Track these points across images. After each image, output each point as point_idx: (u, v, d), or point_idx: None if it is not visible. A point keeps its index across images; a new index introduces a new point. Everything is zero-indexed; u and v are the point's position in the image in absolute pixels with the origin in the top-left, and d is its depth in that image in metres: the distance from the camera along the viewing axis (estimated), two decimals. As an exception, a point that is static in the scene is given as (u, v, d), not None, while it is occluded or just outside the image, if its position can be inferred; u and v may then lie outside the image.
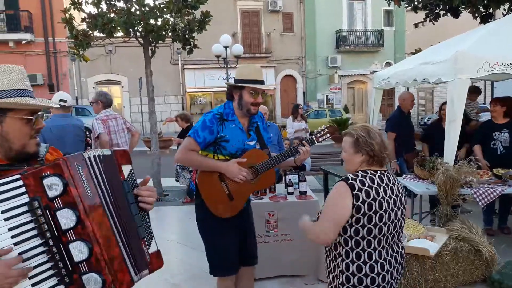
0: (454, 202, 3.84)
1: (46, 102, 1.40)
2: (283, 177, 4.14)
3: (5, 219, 1.19)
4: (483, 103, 14.09)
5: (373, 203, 1.79)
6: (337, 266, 1.88)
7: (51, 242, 1.25)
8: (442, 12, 8.74)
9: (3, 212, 1.19)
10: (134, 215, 1.47)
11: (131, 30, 6.89)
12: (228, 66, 12.58)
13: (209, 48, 12.24)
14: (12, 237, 1.20)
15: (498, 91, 11.30)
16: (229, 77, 12.67)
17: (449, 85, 4.02)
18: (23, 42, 18.16)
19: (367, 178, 1.84)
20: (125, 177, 1.48)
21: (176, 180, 6.83)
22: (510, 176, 3.92)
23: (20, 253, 1.21)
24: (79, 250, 1.25)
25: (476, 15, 7.98)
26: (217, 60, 12.95)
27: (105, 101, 4.88)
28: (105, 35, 6.78)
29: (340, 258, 1.87)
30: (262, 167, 2.54)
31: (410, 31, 26.32)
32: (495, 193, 3.76)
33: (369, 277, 1.80)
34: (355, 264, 1.82)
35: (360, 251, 1.82)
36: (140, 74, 15.48)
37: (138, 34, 6.96)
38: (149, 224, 1.55)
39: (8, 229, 1.19)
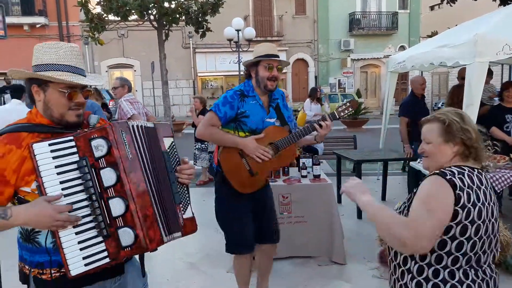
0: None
1: (84, 81, 1.51)
2: (297, 161, 4.16)
3: (58, 173, 1.38)
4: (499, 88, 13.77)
5: (472, 209, 1.39)
6: (406, 286, 1.50)
7: (94, 198, 1.40)
8: (460, -6, 8.52)
9: (56, 166, 1.37)
10: (172, 182, 1.60)
11: (145, 13, 6.90)
12: (240, 49, 12.52)
13: (220, 31, 12.16)
14: (62, 189, 1.38)
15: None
16: (241, 61, 12.62)
17: (468, 68, 3.96)
18: (38, 26, 18.26)
19: (466, 176, 1.43)
20: (166, 148, 1.62)
21: (194, 164, 6.91)
22: (527, 161, 3.88)
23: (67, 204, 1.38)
24: (117, 206, 1.40)
25: (496, -4, 7.77)
26: (229, 44, 12.88)
27: (130, 86, 5.13)
28: (119, 18, 6.79)
29: (410, 276, 1.48)
30: (282, 143, 2.56)
31: (425, 14, 25.71)
32: (511, 178, 3.73)
33: None
34: (430, 283, 1.43)
35: (440, 269, 1.43)
36: (153, 58, 15.51)
37: (152, 17, 6.96)
38: (187, 193, 1.69)
39: (59, 181, 1.38)
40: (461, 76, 5.06)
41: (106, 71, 19.76)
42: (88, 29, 6.98)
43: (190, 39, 20.10)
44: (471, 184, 1.42)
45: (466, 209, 1.38)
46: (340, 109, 2.59)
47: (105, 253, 1.42)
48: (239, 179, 2.58)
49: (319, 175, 3.90)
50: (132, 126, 1.49)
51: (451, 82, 23.20)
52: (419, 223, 1.36)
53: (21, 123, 1.48)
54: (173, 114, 13.84)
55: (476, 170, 1.50)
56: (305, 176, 3.93)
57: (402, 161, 6.96)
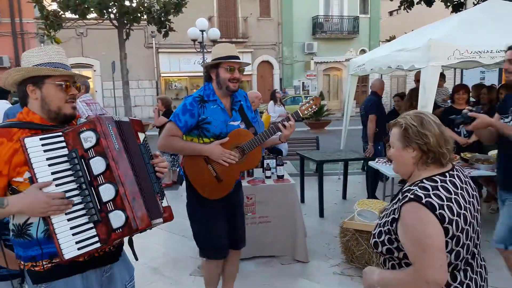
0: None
1: (77, 73, 1.68)
2: (261, 162, 4.19)
3: (49, 165, 1.49)
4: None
5: (459, 219, 1.39)
6: None
7: (84, 186, 1.52)
8: (416, 1, 8.91)
9: (48, 159, 1.49)
10: (150, 172, 1.72)
11: (105, 11, 6.70)
12: (204, 50, 12.44)
13: (184, 31, 12.03)
14: (54, 179, 1.50)
15: (466, 79, 11.71)
16: (205, 61, 12.54)
17: (422, 72, 4.16)
18: (-12, 22, 17.27)
19: (440, 189, 1.40)
20: (141, 142, 1.76)
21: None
22: (477, 160, 4.11)
23: None
24: (107, 191, 1.51)
25: (448, 4, 8.19)
26: (193, 44, 12.77)
27: (88, 85, 5.11)
28: (77, 16, 6.56)
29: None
30: (248, 146, 2.53)
31: (384, 19, 26.68)
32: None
33: None
34: None
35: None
36: (113, 57, 15.05)
37: (112, 16, 6.77)
38: (161, 185, 1.80)
39: (51, 172, 1.49)
40: (417, 79, 5.30)
41: (64, 71, 18.98)
42: (44, 26, 6.68)
43: (153, 38, 19.73)
44: (449, 196, 1.39)
45: (454, 222, 1.38)
46: (303, 108, 2.60)
47: (96, 238, 1.52)
48: (206, 186, 2.54)
49: (283, 175, 3.94)
50: (116, 120, 1.62)
51: (409, 85, 24.20)
52: (424, 268, 1.36)
53: (12, 121, 1.59)
54: (135, 115, 13.52)
55: (448, 175, 1.46)
56: (269, 177, 3.96)
57: (362, 161, 7.18)
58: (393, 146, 1.53)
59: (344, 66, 22.67)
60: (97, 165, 1.51)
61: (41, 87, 1.59)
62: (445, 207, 1.36)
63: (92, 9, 6.27)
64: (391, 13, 29.31)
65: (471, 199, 1.47)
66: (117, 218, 1.50)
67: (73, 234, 1.49)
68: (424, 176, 1.46)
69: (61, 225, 1.48)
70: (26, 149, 1.46)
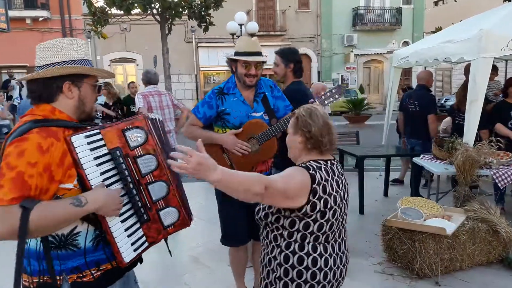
0: (472, 182, 3.83)
1: (107, 73, 1.63)
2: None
3: (97, 165, 1.40)
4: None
5: (329, 198, 1.63)
6: (275, 258, 1.69)
7: (131, 185, 1.46)
8: (465, -11, 8.44)
9: (95, 158, 1.39)
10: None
11: (148, 7, 6.87)
12: (243, 44, 12.45)
13: (223, 26, 12.12)
14: (103, 180, 1.41)
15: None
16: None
17: (472, 64, 3.95)
18: (40, 19, 18.24)
19: (323, 170, 1.66)
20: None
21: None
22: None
23: None
24: (159, 189, 1.49)
25: (501, -8, 7.72)
26: (232, 38, 12.84)
27: (145, 78, 5.05)
28: (122, 11, 6.78)
29: (279, 250, 1.68)
30: (262, 136, 2.56)
31: (429, 9, 25.56)
32: (514, 175, 3.72)
33: (310, 271, 1.64)
34: (296, 256, 1.64)
35: (305, 244, 1.65)
36: (155, 52, 15.46)
37: (154, 11, 6.94)
38: None
39: (100, 173, 1.41)
40: (467, 71, 5.03)
41: (109, 65, 19.72)
42: (91, 22, 6.96)
43: (193, 33, 20.04)
44: (326, 177, 1.65)
45: (323, 200, 1.62)
46: (323, 97, 2.57)
47: (145, 238, 1.50)
48: None
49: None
50: (155, 118, 1.59)
51: (455, 79, 23.13)
52: (271, 180, 1.53)
53: (42, 119, 1.41)
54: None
55: (329, 162, 1.73)
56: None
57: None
58: (288, 132, 1.80)
59: (386, 59, 22.00)
60: (147, 163, 1.46)
61: (80, 86, 1.48)
62: (321, 185, 1.61)
63: (136, 5, 6.48)
64: (436, 3, 28.05)
65: (342, 189, 1.72)
66: (170, 215, 1.50)
67: (128, 236, 1.45)
68: (308, 159, 1.71)
69: (117, 227, 1.42)
70: (75, 148, 1.34)
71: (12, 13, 14.83)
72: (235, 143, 2.52)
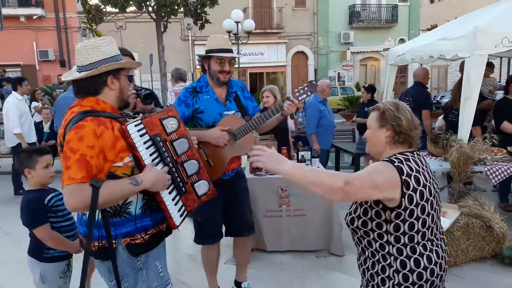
0: (467, 179, 3.85)
1: (137, 64, 1.95)
2: (296, 154, 4.17)
3: (146, 148, 1.66)
4: (499, 81, 13.75)
5: (424, 190, 1.57)
6: (390, 266, 1.62)
7: (170, 165, 1.74)
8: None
9: (144, 142, 1.66)
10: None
11: (143, 4, 6.85)
12: (239, 42, 12.46)
13: (219, 23, 12.09)
14: (152, 160, 1.68)
15: (515, 68, 11.05)
16: (240, 53, 12.56)
17: (467, 61, 3.96)
18: (34, 17, 18.13)
19: (411, 161, 1.60)
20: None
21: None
22: (526, 154, 3.89)
23: None
24: (193, 166, 1.84)
25: (496, -11, 7.73)
26: (228, 36, 12.82)
27: (174, 75, 5.18)
28: (117, 9, 6.75)
29: (393, 257, 1.61)
30: (239, 131, 2.61)
31: (425, 7, 25.60)
32: (509, 171, 3.75)
33: (428, 270, 1.60)
34: (412, 259, 1.59)
35: (415, 245, 1.60)
36: (151, 50, 15.39)
37: (150, 8, 6.92)
38: None
39: (149, 154, 1.68)
40: (462, 69, 5.04)
41: (105, 63, 19.64)
42: (86, 20, 6.93)
43: (189, 31, 19.98)
44: (417, 168, 1.59)
45: (418, 191, 1.55)
46: (297, 94, 2.61)
47: (185, 206, 1.81)
48: None
49: (318, 167, 3.90)
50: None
51: (450, 76, 23.20)
52: (352, 176, 1.52)
53: (90, 109, 1.62)
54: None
55: (415, 154, 1.67)
56: (303, 169, 3.94)
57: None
58: (370, 127, 1.73)
59: (382, 56, 22.03)
60: (182, 145, 1.80)
61: (119, 79, 1.72)
62: (413, 177, 1.55)
63: (131, 2, 6.46)
64: (432, 0, 28.09)
65: (433, 179, 1.66)
66: (203, 186, 1.86)
67: (175, 204, 1.75)
68: (393, 153, 1.65)
69: (167, 198, 1.71)
70: (130, 134, 1.60)
71: (5, 11, 14.73)
72: (221, 135, 2.55)
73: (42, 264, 2.25)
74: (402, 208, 1.54)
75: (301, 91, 2.62)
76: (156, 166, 1.69)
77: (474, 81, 3.88)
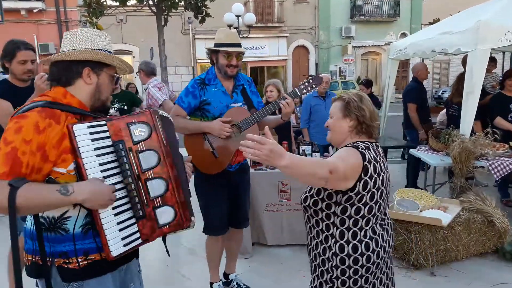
0: (468, 174, 3.84)
1: (127, 66, 1.66)
2: (297, 148, 4.17)
3: (97, 156, 1.40)
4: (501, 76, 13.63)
5: (378, 179, 1.65)
6: (329, 248, 1.70)
7: (130, 180, 1.44)
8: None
9: (95, 149, 1.40)
10: (185, 171, 1.69)
11: (143, -2, 6.82)
12: (240, 35, 12.41)
13: (220, 17, 12.04)
14: (101, 171, 1.41)
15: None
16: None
17: (469, 55, 3.93)
18: (35, 10, 18.05)
19: (371, 150, 1.68)
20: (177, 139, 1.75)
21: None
22: (527, 149, 3.88)
23: None
24: (157, 186, 1.46)
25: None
26: (229, 30, 12.75)
27: (145, 69, 4.60)
28: (118, 3, 6.71)
29: (333, 240, 1.69)
30: (244, 123, 2.62)
31: (427, 1, 25.42)
32: (511, 166, 3.74)
33: (364, 256, 1.66)
34: (351, 244, 1.66)
35: (357, 230, 1.67)
36: (151, 43, 15.35)
37: (151, 2, 6.88)
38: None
39: (98, 163, 1.40)
40: (464, 63, 5.01)
41: (105, 57, 19.60)
42: (87, 14, 6.90)
43: (190, 24, 19.89)
44: (376, 157, 1.67)
45: (373, 179, 1.63)
46: (302, 87, 2.63)
47: (138, 234, 1.47)
48: (204, 162, 2.65)
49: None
50: (162, 115, 1.58)
51: (452, 70, 23.08)
52: (333, 164, 1.55)
53: (49, 100, 1.42)
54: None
55: (374, 144, 1.74)
56: (304, 163, 3.93)
57: (402, 149, 6.96)
58: (332, 116, 1.79)
59: (384, 50, 21.93)
60: (149, 159, 1.45)
61: (99, 74, 1.52)
62: (372, 164, 1.63)
63: (131, -4, 6.44)
64: (434, -6, 27.85)
65: (386, 171, 1.73)
66: (166, 214, 1.47)
67: (119, 230, 1.42)
68: (355, 140, 1.73)
69: (108, 220, 1.40)
70: (75, 136, 1.35)
71: (6, 4, 14.66)
72: (221, 127, 2.56)
73: None
74: (354, 192, 1.61)
75: (306, 83, 2.64)
76: (107, 178, 1.40)
77: (476, 75, 3.86)
